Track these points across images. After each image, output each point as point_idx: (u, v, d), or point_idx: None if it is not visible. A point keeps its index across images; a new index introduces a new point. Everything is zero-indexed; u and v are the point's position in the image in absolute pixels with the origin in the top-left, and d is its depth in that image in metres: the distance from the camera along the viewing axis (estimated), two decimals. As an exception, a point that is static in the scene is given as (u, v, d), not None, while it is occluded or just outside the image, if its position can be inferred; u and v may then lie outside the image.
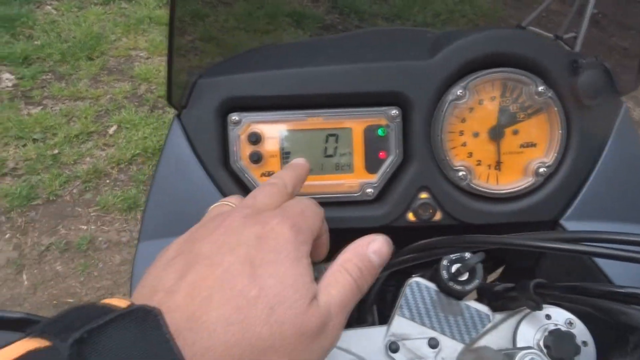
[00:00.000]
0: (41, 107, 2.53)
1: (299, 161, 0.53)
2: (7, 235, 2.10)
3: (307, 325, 0.31)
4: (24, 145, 2.35)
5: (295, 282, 0.32)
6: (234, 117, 0.56)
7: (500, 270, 0.83)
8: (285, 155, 0.57)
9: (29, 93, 2.58)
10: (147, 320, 0.26)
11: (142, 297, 0.31)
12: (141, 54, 2.82)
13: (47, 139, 2.39)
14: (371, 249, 0.37)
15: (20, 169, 2.29)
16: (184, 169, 0.57)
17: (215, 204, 0.43)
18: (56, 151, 2.34)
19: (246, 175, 0.56)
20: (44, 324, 0.26)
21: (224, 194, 0.56)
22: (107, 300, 0.28)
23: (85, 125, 2.42)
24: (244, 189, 0.57)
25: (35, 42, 2.80)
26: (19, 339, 0.26)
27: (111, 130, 2.45)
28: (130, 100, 2.59)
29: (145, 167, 2.33)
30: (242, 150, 0.56)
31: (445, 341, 0.52)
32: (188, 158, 0.57)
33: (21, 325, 0.35)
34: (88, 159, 2.34)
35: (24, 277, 2.00)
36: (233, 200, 0.43)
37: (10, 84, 2.61)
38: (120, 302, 0.28)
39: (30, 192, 2.20)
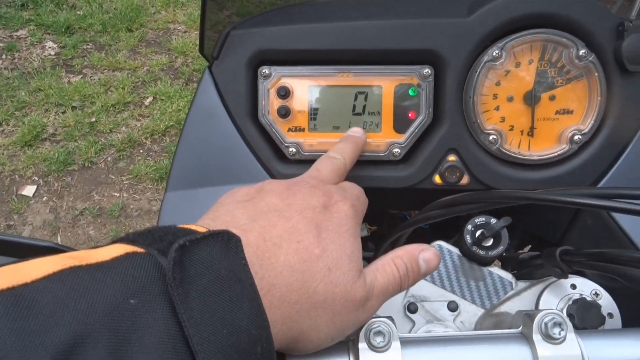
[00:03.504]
0: (81, 75, 2.60)
1: (358, 134, 0.54)
2: (44, 198, 2.18)
3: (353, 293, 0.34)
4: (64, 112, 2.43)
5: (352, 253, 0.35)
6: (265, 70, 0.56)
7: (527, 249, 0.81)
8: (313, 111, 0.56)
9: (70, 62, 2.65)
10: (230, 243, 0.29)
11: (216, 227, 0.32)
12: (179, 28, 2.85)
13: (86, 107, 2.45)
14: (422, 256, 0.39)
15: (58, 135, 2.36)
16: (213, 120, 0.57)
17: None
18: (93, 119, 2.41)
19: (274, 129, 0.56)
20: (132, 235, 0.29)
21: (251, 147, 0.56)
22: (184, 225, 0.30)
23: (122, 95, 2.48)
24: (271, 142, 0.57)
25: (78, 12, 2.87)
26: (110, 243, 0.28)
27: (147, 102, 2.49)
28: (167, 73, 2.63)
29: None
30: (270, 104, 0.56)
31: (465, 305, 0.52)
32: (217, 110, 0.57)
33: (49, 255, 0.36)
34: (123, 128, 2.40)
35: (59, 239, 2.08)
36: None
37: (53, 52, 2.68)
38: (198, 228, 0.30)
39: (67, 158, 2.27)
